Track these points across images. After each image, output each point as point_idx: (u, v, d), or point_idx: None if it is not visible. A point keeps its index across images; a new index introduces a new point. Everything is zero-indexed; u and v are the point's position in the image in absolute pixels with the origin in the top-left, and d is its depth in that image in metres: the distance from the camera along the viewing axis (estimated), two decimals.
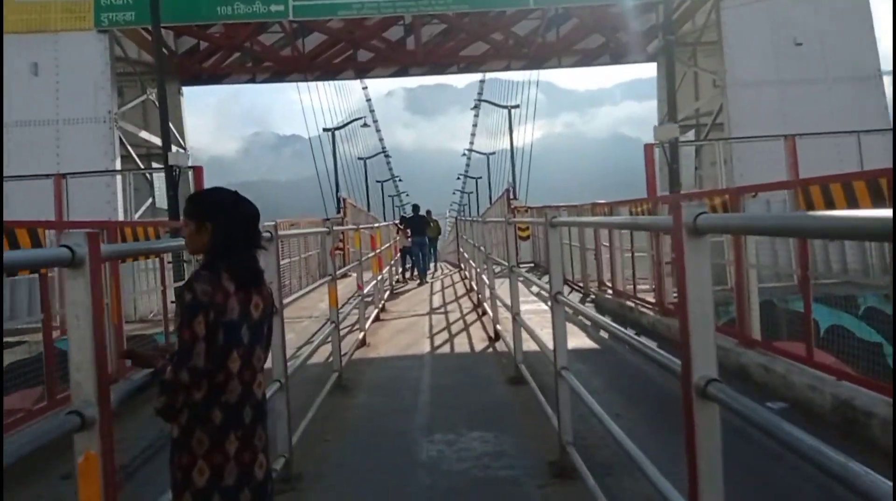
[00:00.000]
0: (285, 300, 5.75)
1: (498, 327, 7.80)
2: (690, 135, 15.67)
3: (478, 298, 10.85)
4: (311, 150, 23.17)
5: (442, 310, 10.82)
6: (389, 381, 6.29)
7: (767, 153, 12.45)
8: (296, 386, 5.78)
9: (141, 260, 8.60)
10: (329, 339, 5.78)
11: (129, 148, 14.59)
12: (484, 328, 8.86)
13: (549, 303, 3.97)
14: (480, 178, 46.92)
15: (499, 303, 7.77)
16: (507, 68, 16.40)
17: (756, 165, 12.33)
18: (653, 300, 8.57)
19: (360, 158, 39.45)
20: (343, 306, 11.39)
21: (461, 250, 17.87)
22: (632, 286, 9.25)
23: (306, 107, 25.86)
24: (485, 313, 9.74)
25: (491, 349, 7.49)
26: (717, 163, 12.59)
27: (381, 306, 10.53)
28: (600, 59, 16.32)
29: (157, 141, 15.81)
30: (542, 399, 4.81)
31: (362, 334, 7.88)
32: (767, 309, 8.50)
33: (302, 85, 27.23)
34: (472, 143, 53.85)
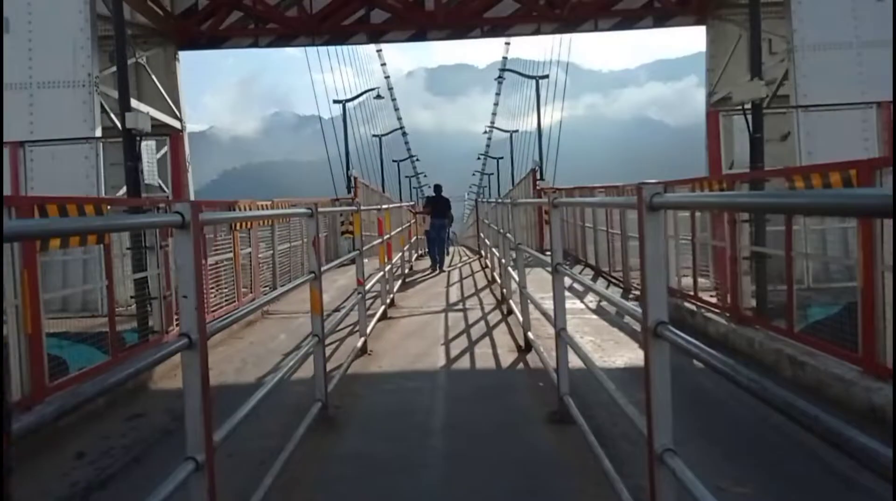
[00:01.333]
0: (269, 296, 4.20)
1: (529, 335, 6.27)
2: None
3: (501, 292, 9.32)
4: (322, 129, 21.63)
5: (460, 306, 9.30)
6: (392, 413, 4.79)
7: (838, 126, 10.72)
8: (270, 414, 4.35)
9: (86, 243, 7.16)
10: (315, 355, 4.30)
11: (115, 118, 13.15)
12: (511, 332, 7.33)
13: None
14: (502, 158, 45.05)
15: (532, 308, 6.21)
16: (537, 32, 14.64)
17: (826, 140, 10.61)
18: (717, 302, 6.97)
19: (374, 135, 37.76)
20: (345, 301, 9.98)
21: (482, 235, 16.32)
22: (691, 282, 7.64)
23: (323, 86, 24.43)
24: (510, 312, 8.22)
25: (521, 365, 5.95)
26: (794, 136, 10.81)
27: (389, 300, 9.04)
28: (643, 22, 14.51)
29: (155, 113, 14.40)
30: (600, 453, 3.31)
31: (362, 340, 6.38)
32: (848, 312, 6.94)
33: (322, 64, 25.71)
34: (492, 121, 51.94)
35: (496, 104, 55.46)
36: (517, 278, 7.64)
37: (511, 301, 8.20)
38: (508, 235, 8.44)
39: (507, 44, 47.30)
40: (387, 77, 50.84)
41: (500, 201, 9.20)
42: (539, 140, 20.04)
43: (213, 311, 7.74)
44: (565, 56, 34.12)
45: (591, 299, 9.37)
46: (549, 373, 4.95)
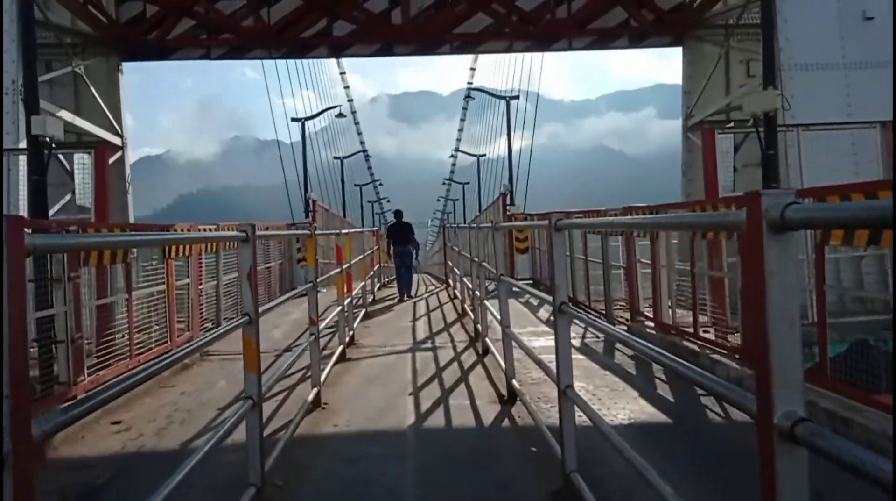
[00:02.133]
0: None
1: (514, 383, 5.31)
2: (728, 137, 13.31)
3: (475, 328, 8.36)
4: (279, 150, 20.51)
5: (429, 344, 8.29)
6: (349, 493, 3.75)
7: (829, 148, 10.18)
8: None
9: None
10: (246, 426, 3.25)
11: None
12: (489, 377, 6.35)
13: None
14: (468, 183, 44.46)
15: (519, 354, 5.25)
16: (509, 49, 13.98)
17: (817, 162, 10.05)
18: (725, 341, 6.13)
19: (336, 158, 36.65)
20: (299, 338, 8.88)
21: (449, 263, 15.38)
22: (690, 319, 6.79)
23: (283, 108, 23.20)
24: (486, 351, 7.25)
25: (506, 421, 4.96)
26: (786, 158, 10.18)
27: (348, 337, 7.98)
28: (618, 42, 13.96)
29: (91, 127, 13.16)
30: None
31: (315, 391, 5.32)
32: (861, 349, 6.18)
33: (284, 89, 24.62)
34: (457, 147, 51.46)
35: (460, 130, 55.21)
36: (497, 315, 6.70)
37: (487, 340, 7.24)
38: (485, 264, 7.50)
39: (473, 69, 47.20)
40: (350, 100, 50.07)
41: (474, 225, 8.28)
42: (510, 163, 19.26)
43: (137, 354, 6.58)
44: (527, 86, 33.98)
45: (573, 335, 8.47)
46: (543, 434, 3.99)
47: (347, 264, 8.33)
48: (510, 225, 12.35)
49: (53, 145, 7.89)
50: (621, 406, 5.22)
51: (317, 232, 5.93)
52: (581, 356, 7.21)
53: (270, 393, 5.06)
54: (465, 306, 10.53)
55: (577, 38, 13.93)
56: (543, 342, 8.05)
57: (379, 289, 15.95)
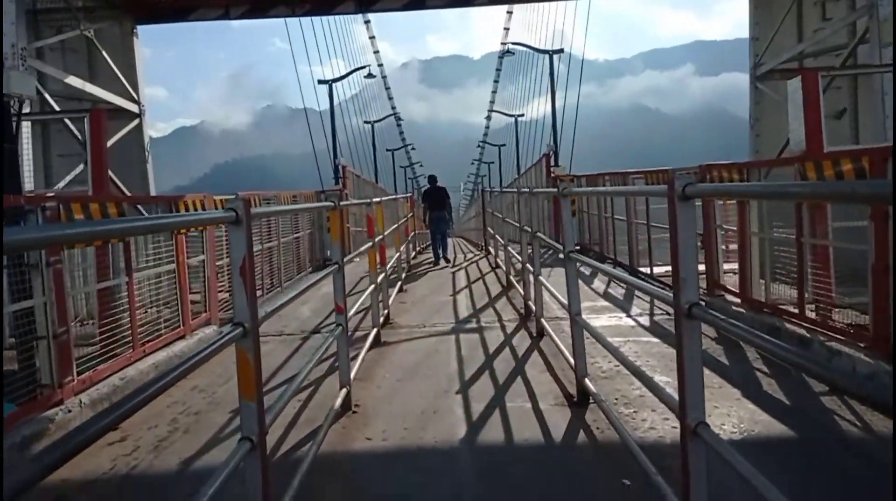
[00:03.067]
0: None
1: (587, 383, 4.30)
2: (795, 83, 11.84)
3: (525, 305, 7.35)
4: (307, 116, 19.47)
5: (474, 324, 7.30)
6: None
7: None
8: None
9: None
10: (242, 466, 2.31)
11: (52, 101, 11.06)
12: (550, 368, 5.36)
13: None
14: (504, 145, 42.93)
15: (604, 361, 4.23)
16: None
17: None
18: (847, 327, 5.00)
19: (366, 122, 35.42)
20: (329, 316, 7.98)
21: (489, 229, 14.34)
22: (796, 294, 5.65)
23: (310, 78, 22.14)
24: (542, 333, 6.26)
25: (582, 435, 3.96)
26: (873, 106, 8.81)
27: (382, 318, 7.06)
28: None
29: (106, 94, 12.33)
30: None
31: (343, 392, 4.39)
32: None
33: (312, 57, 23.46)
34: (491, 109, 49.77)
35: (494, 92, 53.41)
36: (556, 294, 5.68)
37: (543, 321, 6.23)
38: (541, 234, 6.44)
39: (507, 29, 45.27)
40: (380, 65, 48.66)
41: (524, 188, 7.17)
42: (553, 121, 17.83)
43: (142, 343, 5.74)
44: (561, 45, 32.23)
45: (638, 311, 7.41)
46: (638, 461, 3.00)
47: (380, 236, 7.35)
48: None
49: (24, 108, 6.98)
50: (724, 412, 4.17)
51: (342, 204, 4.92)
52: (656, 340, 6.15)
53: (301, 383, 4.15)
54: (511, 277, 9.52)
55: None
56: (606, 321, 7.00)
57: (414, 257, 15.01)
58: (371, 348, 6.06)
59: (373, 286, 6.38)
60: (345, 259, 4.66)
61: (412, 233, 13.96)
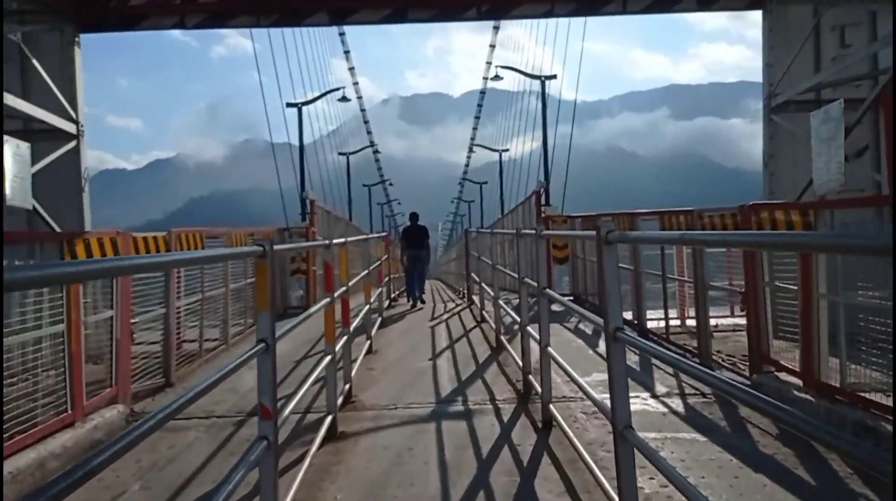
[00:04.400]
0: None
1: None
2: (811, 117, 10.67)
3: (524, 378, 5.82)
4: (273, 150, 17.99)
5: (460, 404, 5.71)
6: None
7: None
8: None
9: None
10: None
11: None
12: (569, 487, 3.80)
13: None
14: (486, 183, 41.74)
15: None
16: (550, 14, 11.33)
17: None
18: None
19: (342, 154, 33.87)
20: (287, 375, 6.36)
21: (473, 275, 12.85)
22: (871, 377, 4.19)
23: (286, 110, 20.56)
24: (550, 423, 4.74)
25: None
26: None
27: (342, 395, 5.47)
28: (683, 4, 11.35)
29: (38, 111, 10.72)
30: None
31: None
32: None
33: (290, 90, 22.01)
34: (471, 146, 48.80)
35: (475, 129, 52.59)
36: (569, 369, 4.19)
37: (553, 408, 4.70)
38: (550, 291, 4.93)
39: (489, 63, 44.73)
40: (359, 97, 47.66)
41: (529, 230, 5.68)
42: (545, 155, 16.40)
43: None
44: (538, 86, 31.46)
45: (664, 390, 5.89)
46: None
47: (343, 288, 5.80)
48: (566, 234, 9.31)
49: None
50: None
51: (281, 248, 3.40)
52: (696, 435, 4.62)
53: None
54: (502, 337, 7.99)
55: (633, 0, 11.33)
56: (640, 405, 5.45)
57: (389, 306, 13.42)
58: (323, 444, 4.47)
59: (328, 358, 4.81)
60: (277, 335, 3.10)
61: (386, 278, 12.42)
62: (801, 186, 11.26)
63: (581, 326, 9.49)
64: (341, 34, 43.32)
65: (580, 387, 4.01)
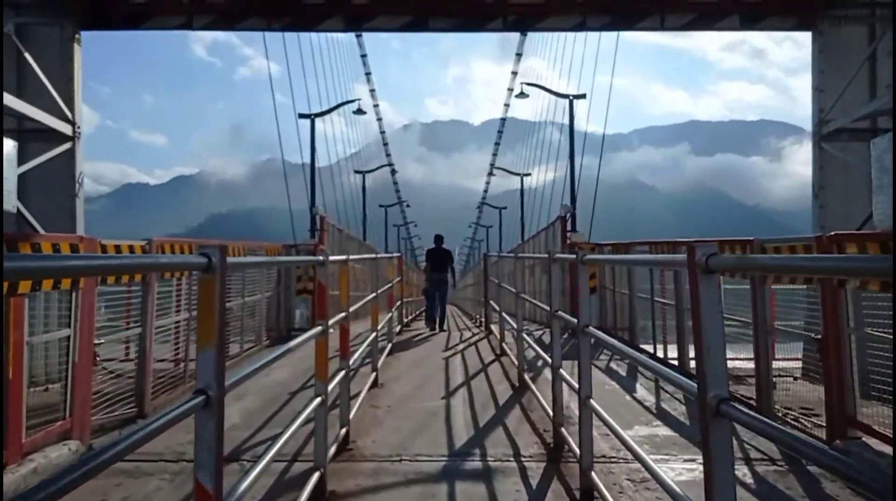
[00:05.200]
0: None
1: None
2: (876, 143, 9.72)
3: (555, 432, 4.86)
4: (283, 163, 17.32)
5: (477, 459, 4.74)
6: None
7: None
8: None
9: None
10: None
11: None
12: None
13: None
14: (506, 208, 40.91)
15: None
16: (581, 27, 10.53)
17: None
18: None
19: (357, 172, 33.16)
20: (269, 421, 5.33)
21: (492, 302, 11.92)
22: None
23: (309, 132, 19.85)
24: (591, 491, 3.77)
25: None
26: None
27: (335, 447, 4.54)
28: (726, 21, 10.51)
29: (35, 112, 10.06)
30: None
31: None
32: None
33: (310, 111, 21.35)
34: (491, 171, 48.09)
35: (495, 155, 52.01)
36: (620, 431, 3.25)
37: (595, 476, 3.74)
38: (618, 343, 4.00)
39: (510, 90, 44.19)
40: (379, 119, 47.27)
41: (562, 254, 4.76)
42: (571, 179, 15.48)
43: None
44: (560, 118, 30.81)
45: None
46: None
47: (343, 315, 4.90)
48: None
49: None
50: None
51: (237, 261, 2.57)
52: None
53: None
54: (525, 376, 7.03)
55: (672, 15, 10.52)
56: (688, 475, 4.44)
57: (399, 332, 12.48)
58: None
59: (318, 400, 3.90)
60: (229, 382, 2.20)
61: (398, 302, 11.51)
62: (855, 219, 10.28)
63: (613, 364, 8.50)
64: (363, 56, 43.04)
65: (630, 450, 3.13)
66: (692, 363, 8.32)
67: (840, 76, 10.37)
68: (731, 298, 7.71)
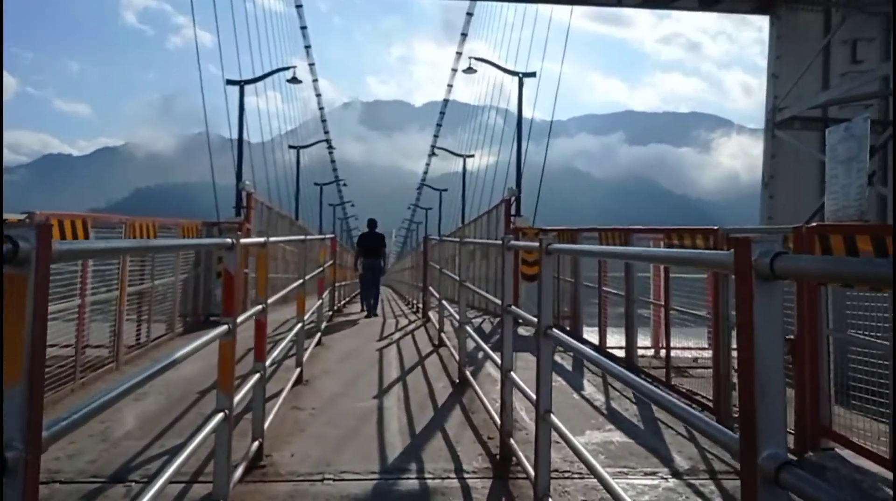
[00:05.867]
0: None
1: None
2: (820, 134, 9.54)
3: (501, 443, 4.28)
4: (209, 140, 16.04)
5: (413, 474, 4.10)
6: None
7: None
8: None
9: None
10: None
11: None
12: None
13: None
14: (446, 190, 40.23)
15: None
16: None
17: None
18: None
19: (291, 147, 31.69)
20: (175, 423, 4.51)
21: (431, 288, 11.31)
22: None
23: (242, 103, 18.28)
24: None
25: None
26: None
27: (243, 466, 3.81)
28: (683, 1, 10.12)
29: None
30: None
31: None
32: None
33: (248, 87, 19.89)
34: (432, 152, 47.33)
35: (436, 136, 51.22)
36: (609, 481, 2.67)
37: (526, 463, 3.17)
38: (556, 331, 3.42)
39: (454, 69, 43.48)
40: (318, 94, 45.67)
41: (516, 240, 4.14)
42: (518, 162, 14.89)
43: None
44: (504, 103, 30.48)
45: (686, 465, 4.41)
46: None
47: (260, 307, 4.15)
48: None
49: None
50: None
51: (61, 247, 1.83)
52: None
53: None
54: (466, 372, 6.43)
55: None
56: (651, 494, 3.93)
57: (330, 319, 11.71)
58: None
59: (220, 417, 3.16)
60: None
61: (329, 287, 10.73)
62: (803, 210, 10.13)
63: (557, 357, 8.01)
64: (303, 28, 41.29)
65: (587, 465, 2.68)
66: (638, 355, 7.99)
67: (795, 64, 10.16)
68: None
